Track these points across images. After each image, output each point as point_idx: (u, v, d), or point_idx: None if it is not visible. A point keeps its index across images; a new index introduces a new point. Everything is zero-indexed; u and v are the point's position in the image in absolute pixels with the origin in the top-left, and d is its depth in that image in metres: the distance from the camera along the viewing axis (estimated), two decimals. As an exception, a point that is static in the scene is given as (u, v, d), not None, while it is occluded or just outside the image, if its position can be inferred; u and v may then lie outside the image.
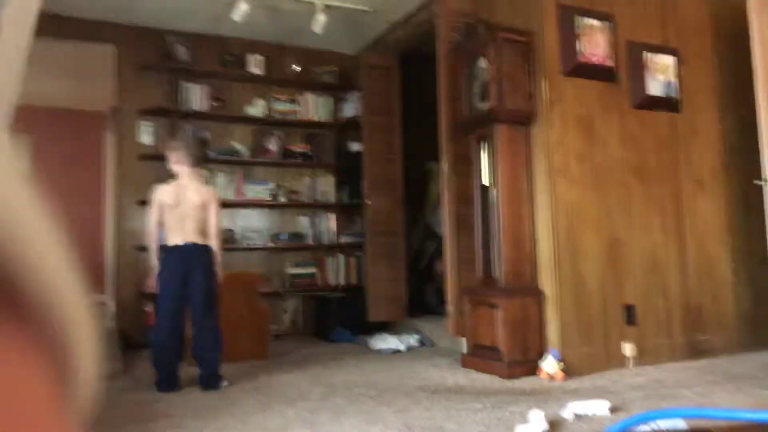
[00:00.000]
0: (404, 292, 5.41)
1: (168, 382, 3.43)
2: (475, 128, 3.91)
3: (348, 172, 5.81)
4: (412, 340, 4.81)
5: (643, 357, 3.78)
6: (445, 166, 4.23)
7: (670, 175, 4.08)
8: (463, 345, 4.02)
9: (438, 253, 6.35)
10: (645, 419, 2.18)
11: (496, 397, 3.09)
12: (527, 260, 3.70)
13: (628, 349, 3.76)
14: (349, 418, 2.77)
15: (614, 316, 3.77)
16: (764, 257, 3.85)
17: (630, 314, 3.81)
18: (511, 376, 3.50)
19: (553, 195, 3.66)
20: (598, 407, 2.72)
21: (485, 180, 3.87)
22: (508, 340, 3.54)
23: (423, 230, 6.28)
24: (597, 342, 3.70)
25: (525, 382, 3.43)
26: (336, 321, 5.28)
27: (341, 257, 5.84)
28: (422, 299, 5.76)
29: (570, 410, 2.68)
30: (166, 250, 3.50)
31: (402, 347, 4.65)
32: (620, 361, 3.74)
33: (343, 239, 5.85)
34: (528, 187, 3.74)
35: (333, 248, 5.81)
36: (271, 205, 5.67)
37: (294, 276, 5.64)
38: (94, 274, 5.53)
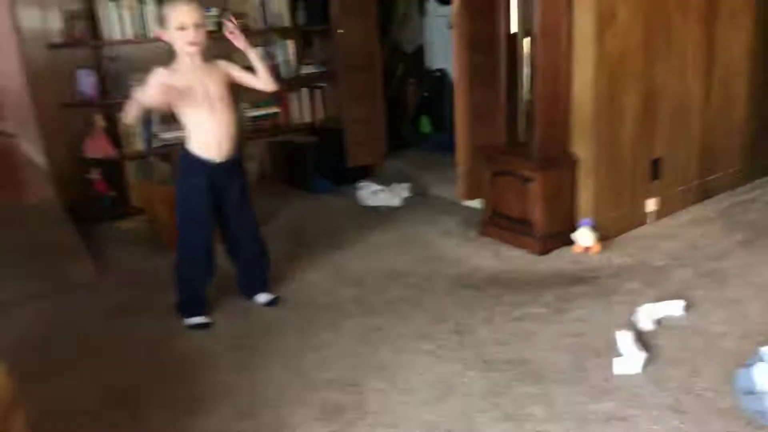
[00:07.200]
0: (384, 132, 4.88)
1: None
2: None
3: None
4: (404, 191, 4.44)
5: (661, 209, 3.66)
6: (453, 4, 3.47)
7: (706, 8, 3.56)
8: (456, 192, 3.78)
9: (408, 76, 5.72)
10: None
11: (547, 290, 2.88)
12: (564, 123, 3.26)
13: (650, 204, 3.60)
14: (409, 353, 2.49)
15: (641, 173, 3.52)
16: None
17: (656, 168, 3.57)
18: (543, 251, 3.29)
19: (597, 45, 3.10)
20: (672, 308, 2.58)
21: (514, 26, 3.21)
22: (542, 215, 3.25)
23: (390, 49, 5.53)
24: (624, 203, 3.50)
25: (561, 260, 3.24)
26: (313, 169, 4.77)
27: (304, 91, 5.10)
28: (397, 132, 5.27)
29: (645, 317, 2.52)
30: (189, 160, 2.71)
31: (396, 202, 4.30)
32: (641, 218, 3.60)
33: (305, 70, 5.05)
34: (567, 37, 3.13)
35: (293, 81, 5.02)
36: (216, 36, 4.65)
37: (254, 118, 4.92)
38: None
